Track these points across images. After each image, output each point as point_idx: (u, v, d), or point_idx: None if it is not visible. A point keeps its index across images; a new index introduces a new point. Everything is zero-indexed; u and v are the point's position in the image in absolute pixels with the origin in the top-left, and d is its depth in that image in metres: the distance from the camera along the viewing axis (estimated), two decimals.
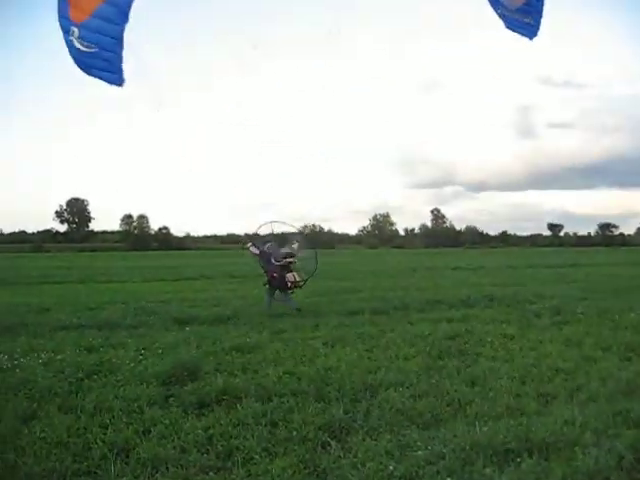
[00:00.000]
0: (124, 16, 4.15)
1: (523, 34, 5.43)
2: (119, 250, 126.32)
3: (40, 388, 8.88)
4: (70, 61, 4.36)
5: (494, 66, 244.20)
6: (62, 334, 13.79)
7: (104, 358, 10.99)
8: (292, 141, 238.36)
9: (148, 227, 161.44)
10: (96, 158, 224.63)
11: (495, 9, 5.38)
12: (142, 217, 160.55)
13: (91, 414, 7.70)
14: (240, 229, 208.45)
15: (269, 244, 18.27)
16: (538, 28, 5.36)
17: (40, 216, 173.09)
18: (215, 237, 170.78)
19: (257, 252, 18.16)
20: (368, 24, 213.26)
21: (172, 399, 8.34)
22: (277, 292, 17.99)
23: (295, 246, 18.61)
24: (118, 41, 4.16)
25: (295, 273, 17.87)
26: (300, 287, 18.20)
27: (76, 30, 4.00)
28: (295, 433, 6.99)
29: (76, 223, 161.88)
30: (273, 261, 17.79)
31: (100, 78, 4.23)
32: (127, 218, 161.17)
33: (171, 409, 7.91)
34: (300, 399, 8.24)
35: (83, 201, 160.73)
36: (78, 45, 4.07)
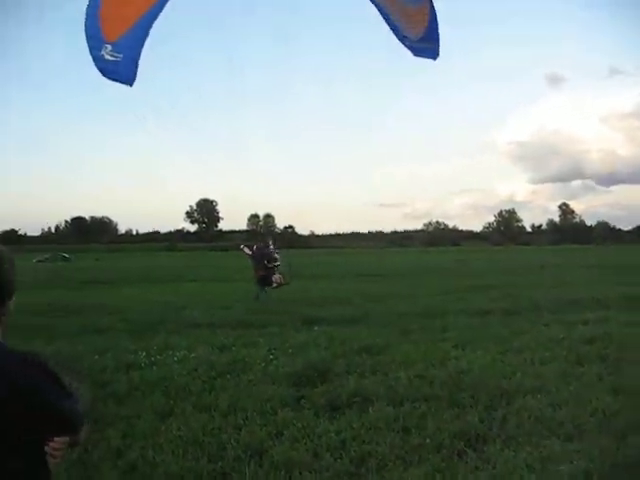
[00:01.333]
0: (147, 32, 5.16)
1: (428, 57, 6.55)
2: None
3: (176, 386, 9.08)
4: None
5: (621, 54, 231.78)
6: (196, 332, 14.15)
7: (236, 357, 11.13)
8: (412, 138, 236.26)
9: (274, 226, 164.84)
10: (223, 159, 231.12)
11: (404, 44, 6.48)
12: (268, 216, 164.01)
13: (225, 414, 7.74)
14: (364, 228, 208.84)
15: (258, 245, 22.06)
16: (439, 48, 6.46)
17: (172, 217, 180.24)
18: (339, 235, 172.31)
19: (250, 253, 21.68)
20: (492, 19, 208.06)
21: (304, 400, 8.26)
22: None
23: (270, 242, 22.59)
24: (138, 51, 5.16)
25: (280, 275, 21.32)
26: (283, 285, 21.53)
27: (109, 46, 4.94)
28: (429, 440, 6.71)
29: (205, 223, 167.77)
30: (266, 263, 21.04)
31: (118, 81, 5.14)
32: (253, 217, 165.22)
33: (303, 411, 7.83)
34: (433, 404, 7.96)
35: (212, 202, 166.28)
36: (108, 57, 4.97)
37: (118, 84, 5.25)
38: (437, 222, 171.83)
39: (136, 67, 5.09)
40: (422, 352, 11.30)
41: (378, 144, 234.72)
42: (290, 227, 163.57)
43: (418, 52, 6.50)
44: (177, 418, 7.63)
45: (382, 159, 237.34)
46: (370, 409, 7.79)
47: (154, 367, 10.38)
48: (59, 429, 2.33)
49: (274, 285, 21.19)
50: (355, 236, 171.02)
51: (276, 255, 21.63)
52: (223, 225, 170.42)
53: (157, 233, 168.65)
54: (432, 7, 6.28)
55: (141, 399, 8.48)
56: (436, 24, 6.34)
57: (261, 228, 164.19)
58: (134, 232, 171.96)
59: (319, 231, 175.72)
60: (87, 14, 5.08)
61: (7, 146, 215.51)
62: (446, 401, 8.08)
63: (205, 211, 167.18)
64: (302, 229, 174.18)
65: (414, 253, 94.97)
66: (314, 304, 19.54)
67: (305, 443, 6.71)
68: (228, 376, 9.73)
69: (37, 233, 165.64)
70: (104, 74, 5.10)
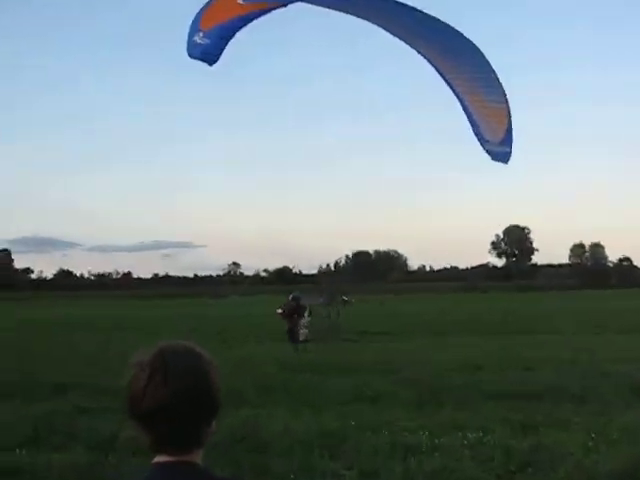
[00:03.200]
0: (235, 30, 6.83)
1: (502, 162, 7.66)
2: (569, 288, 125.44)
3: None
4: None
5: None
6: (491, 404, 13.85)
7: (542, 442, 10.66)
8: None
9: (605, 258, 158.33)
10: (535, 177, 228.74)
11: (483, 147, 7.58)
12: (596, 246, 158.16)
13: None
14: None
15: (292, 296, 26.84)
16: (511, 153, 7.59)
17: (474, 249, 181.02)
18: None
19: (280, 312, 26.48)
20: None
21: None
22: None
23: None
24: (225, 41, 6.79)
25: (307, 331, 26.08)
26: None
27: (201, 33, 6.76)
28: None
29: (515, 256, 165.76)
30: (295, 317, 25.78)
31: (198, 59, 6.81)
32: (578, 248, 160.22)
33: None
34: None
35: (523, 229, 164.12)
36: (199, 41, 6.72)
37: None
38: None
39: (220, 52, 6.81)
40: None
41: None
42: (626, 259, 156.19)
43: (496, 157, 7.64)
44: None
45: None
46: None
47: (436, 453, 10.30)
48: None
49: (301, 339, 25.54)
50: None
51: (306, 312, 26.27)
52: (538, 258, 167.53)
53: (455, 269, 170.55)
54: (509, 109, 7.44)
55: None
56: (512, 128, 7.48)
57: (587, 260, 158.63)
58: (427, 268, 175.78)
59: None
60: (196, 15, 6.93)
61: (278, 181, 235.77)
62: None
63: (515, 240, 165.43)
64: None
65: None
66: None
67: None
68: (530, 469, 9.36)
69: (313, 270, 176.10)
70: (190, 55, 6.83)
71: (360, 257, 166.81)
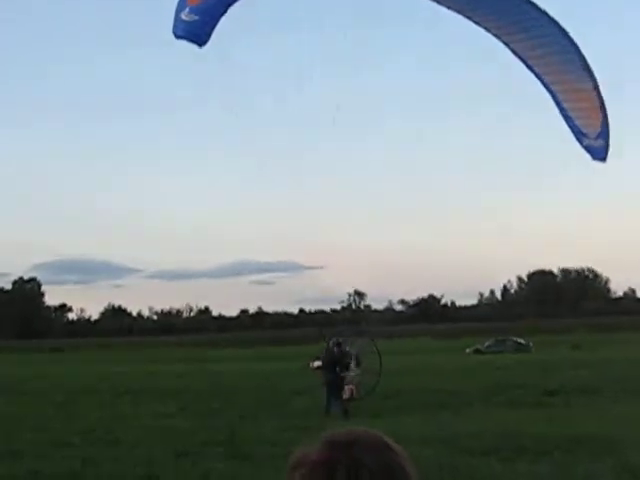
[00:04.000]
0: (228, 4, 7.94)
1: (600, 160, 8.81)
2: None
3: None
4: None
5: None
6: None
7: None
8: None
9: None
10: None
11: (581, 143, 8.75)
12: None
13: None
14: None
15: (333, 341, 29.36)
16: (608, 147, 8.64)
17: None
18: None
19: (320, 364, 28.51)
20: None
21: None
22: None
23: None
24: (215, 19, 7.92)
25: (353, 387, 28.52)
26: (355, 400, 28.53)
27: (187, 9, 7.80)
28: None
29: None
30: (337, 370, 27.67)
31: (190, 40, 7.88)
32: None
33: None
34: None
35: None
36: (185, 18, 7.78)
37: None
38: None
39: (211, 31, 7.89)
40: None
41: None
42: None
43: (595, 154, 8.61)
44: None
45: None
46: None
47: None
48: None
49: (345, 397, 27.66)
50: None
51: (350, 360, 28.62)
52: None
53: None
54: (601, 96, 8.26)
55: None
56: (607, 117, 8.31)
57: None
58: (639, 294, 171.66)
59: None
60: None
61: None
62: None
63: None
64: None
65: None
66: None
67: None
68: None
69: (471, 301, 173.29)
70: (175, 35, 7.93)
71: (540, 280, 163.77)
